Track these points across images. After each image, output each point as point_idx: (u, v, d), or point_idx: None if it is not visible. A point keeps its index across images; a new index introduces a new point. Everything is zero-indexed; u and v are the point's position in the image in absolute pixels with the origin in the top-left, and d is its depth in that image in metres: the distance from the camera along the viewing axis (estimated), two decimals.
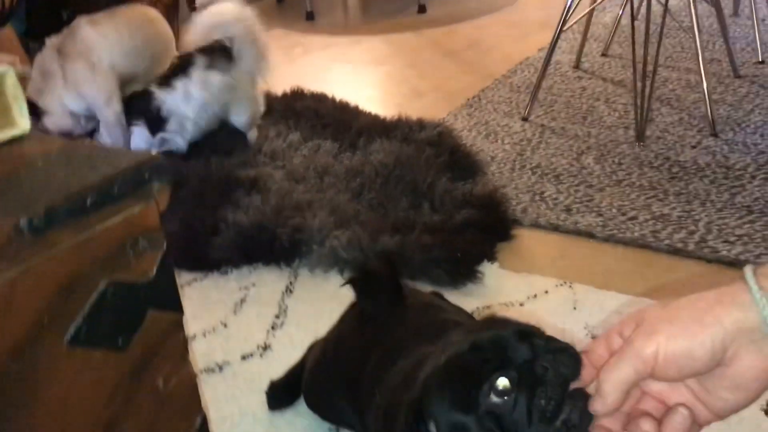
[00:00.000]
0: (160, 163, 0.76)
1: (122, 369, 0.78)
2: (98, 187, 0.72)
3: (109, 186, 0.73)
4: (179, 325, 0.83)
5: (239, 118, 2.63)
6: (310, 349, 1.55)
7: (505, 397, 0.89)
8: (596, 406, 0.73)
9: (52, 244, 0.69)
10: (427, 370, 0.97)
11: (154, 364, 0.81)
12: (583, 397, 0.89)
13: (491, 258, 2.00)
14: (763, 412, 1.37)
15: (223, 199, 2.22)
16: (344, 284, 1.40)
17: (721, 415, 0.72)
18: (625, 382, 0.70)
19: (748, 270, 0.68)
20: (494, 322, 1.03)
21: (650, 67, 2.54)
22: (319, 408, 1.46)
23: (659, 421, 0.74)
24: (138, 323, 0.78)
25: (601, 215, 2.13)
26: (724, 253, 1.89)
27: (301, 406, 1.52)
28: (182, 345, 0.84)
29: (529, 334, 0.95)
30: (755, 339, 0.66)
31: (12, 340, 0.67)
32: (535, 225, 2.14)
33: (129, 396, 0.79)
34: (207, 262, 2.04)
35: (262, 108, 2.73)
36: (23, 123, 0.85)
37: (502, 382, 0.89)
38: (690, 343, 0.66)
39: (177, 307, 0.83)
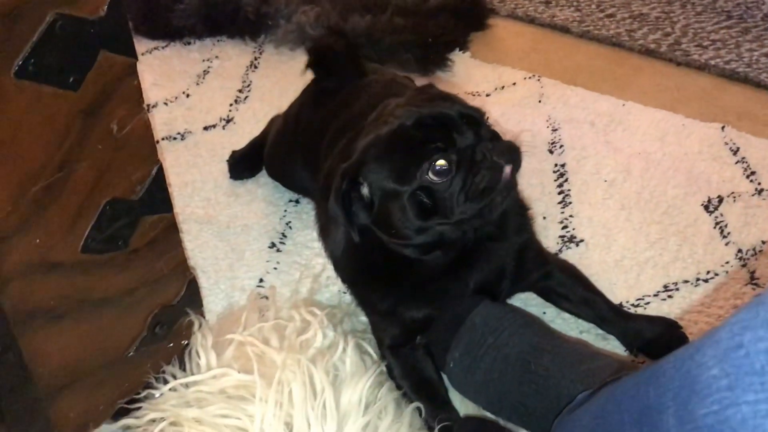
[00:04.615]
0: None
1: (74, 109, 0.77)
2: None
3: None
4: (133, 71, 0.81)
5: None
6: (272, 121, 1.55)
7: (443, 178, 0.93)
8: None
9: None
10: (368, 139, 0.99)
11: (108, 108, 0.80)
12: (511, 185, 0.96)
13: (463, 46, 1.95)
14: (702, 207, 1.44)
15: None
16: (305, 68, 1.37)
17: None
18: None
19: None
20: (439, 97, 1.03)
21: None
22: (280, 177, 1.49)
23: None
24: (89, 63, 0.76)
25: (579, 10, 2.07)
26: (695, 56, 1.88)
27: (262, 177, 1.55)
28: (137, 91, 0.82)
29: (474, 119, 0.96)
30: None
31: None
32: (512, 16, 2.08)
33: (82, 137, 0.79)
34: (169, 31, 1.96)
35: None
36: None
37: (442, 164, 0.93)
38: None
39: (130, 51, 0.80)
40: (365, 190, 0.98)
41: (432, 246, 1.02)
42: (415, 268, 1.05)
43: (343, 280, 1.19)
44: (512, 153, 0.97)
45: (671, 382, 0.59)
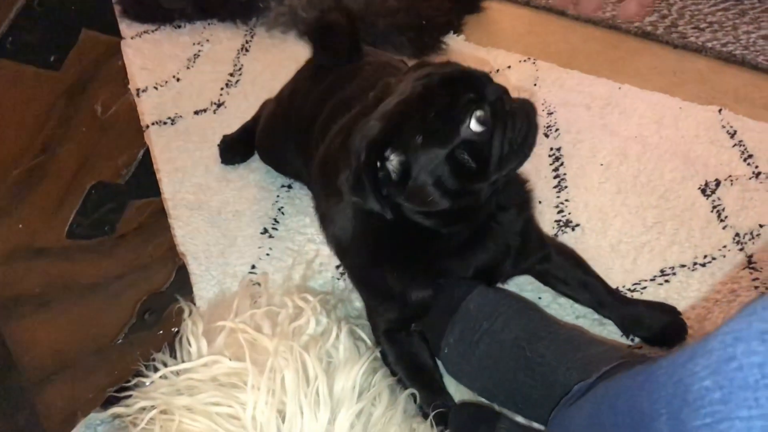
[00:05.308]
0: None
1: (57, 90, 0.74)
2: None
3: None
4: (117, 51, 0.79)
5: None
6: (264, 105, 1.52)
7: (484, 128, 0.91)
8: None
9: None
10: (389, 107, 0.94)
11: (92, 89, 0.78)
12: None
13: (457, 29, 1.93)
14: (699, 191, 1.43)
15: None
16: (303, 35, 1.34)
17: None
18: None
19: None
20: (452, 63, 1.02)
21: None
22: (272, 162, 1.47)
23: None
24: (71, 41, 0.73)
25: None
26: (692, 39, 1.86)
27: (254, 162, 1.53)
28: (121, 71, 0.80)
29: (489, 77, 0.96)
30: None
31: None
32: None
33: (65, 119, 0.76)
34: (158, 14, 1.93)
35: None
36: None
37: (482, 113, 0.91)
38: None
39: (113, 30, 0.77)
40: (393, 164, 0.92)
41: (460, 215, 0.98)
42: (432, 243, 1.02)
43: (350, 266, 1.14)
44: (528, 105, 0.98)
45: (664, 389, 0.59)
